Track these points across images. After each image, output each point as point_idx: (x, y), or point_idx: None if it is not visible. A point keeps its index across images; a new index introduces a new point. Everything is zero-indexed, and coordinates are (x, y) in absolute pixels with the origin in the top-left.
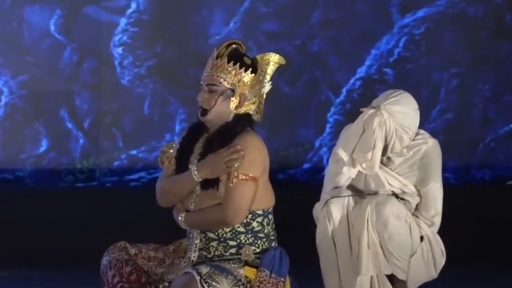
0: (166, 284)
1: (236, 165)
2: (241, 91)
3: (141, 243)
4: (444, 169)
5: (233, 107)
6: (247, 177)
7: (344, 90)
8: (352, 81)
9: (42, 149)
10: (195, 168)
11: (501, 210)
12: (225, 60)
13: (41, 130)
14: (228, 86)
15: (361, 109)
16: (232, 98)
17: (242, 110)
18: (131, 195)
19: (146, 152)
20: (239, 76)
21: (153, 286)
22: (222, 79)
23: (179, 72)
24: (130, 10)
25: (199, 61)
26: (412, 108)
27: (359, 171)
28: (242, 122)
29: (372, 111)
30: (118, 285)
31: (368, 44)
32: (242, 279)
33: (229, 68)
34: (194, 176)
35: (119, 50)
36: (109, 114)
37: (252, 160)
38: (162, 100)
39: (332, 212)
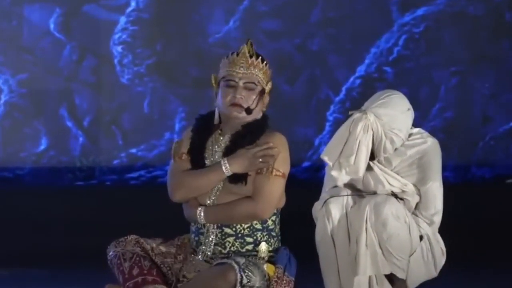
0: (185, 280)
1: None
2: (268, 90)
3: (146, 238)
4: (444, 168)
5: (263, 106)
6: (280, 173)
7: (343, 89)
8: (351, 79)
9: (42, 147)
10: (226, 162)
11: (501, 208)
12: (260, 59)
13: (41, 129)
14: (263, 85)
15: (350, 112)
16: (264, 97)
17: (264, 108)
18: (131, 193)
19: (145, 150)
20: (268, 75)
21: (170, 281)
22: (259, 78)
23: (179, 70)
24: (129, 9)
25: (199, 59)
26: (401, 110)
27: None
28: (267, 121)
29: (358, 115)
30: (139, 278)
31: (368, 43)
32: (266, 275)
33: (264, 68)
34: (225, 170)
35: (119, 48)
36: (108, 113)
37: (284, 158)
38: (161, 99)
39: (331, 212)
